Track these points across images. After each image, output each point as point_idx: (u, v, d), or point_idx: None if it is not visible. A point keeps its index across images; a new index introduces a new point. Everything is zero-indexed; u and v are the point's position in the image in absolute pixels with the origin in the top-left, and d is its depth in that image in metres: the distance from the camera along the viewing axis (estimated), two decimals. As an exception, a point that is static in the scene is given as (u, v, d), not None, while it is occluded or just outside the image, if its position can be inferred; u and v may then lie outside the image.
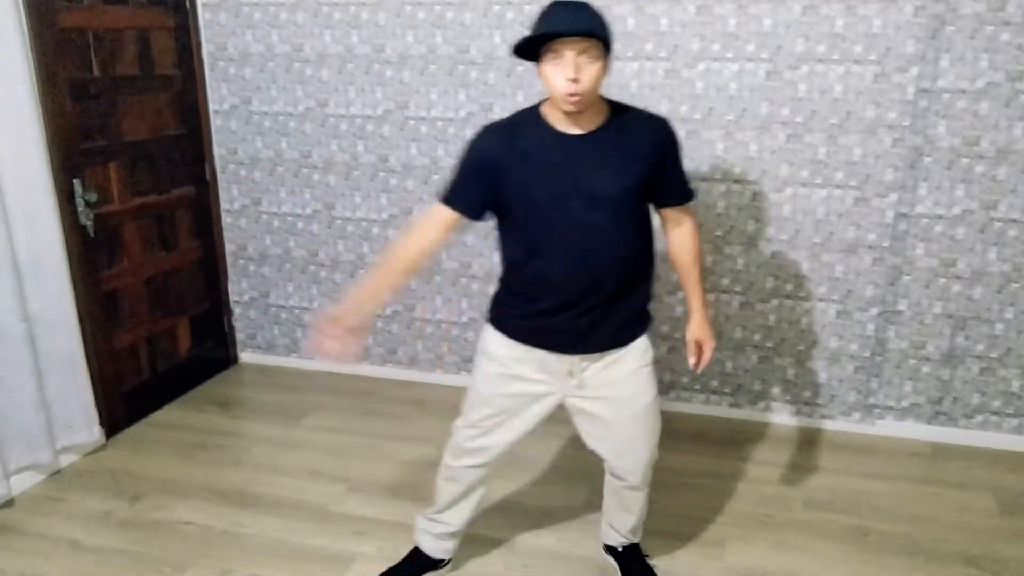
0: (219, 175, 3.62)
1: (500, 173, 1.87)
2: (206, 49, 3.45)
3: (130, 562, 2.41)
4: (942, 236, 2.92)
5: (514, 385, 2.03)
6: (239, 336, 3.88)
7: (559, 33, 1.68)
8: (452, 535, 2.30)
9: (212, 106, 3.53)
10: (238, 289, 3.80)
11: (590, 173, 1.84)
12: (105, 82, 2.97)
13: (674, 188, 1.99)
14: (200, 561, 2.42)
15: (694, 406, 3.36)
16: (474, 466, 2.16)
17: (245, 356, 3.91)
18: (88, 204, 2.89)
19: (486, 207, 1.94)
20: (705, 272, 3.16)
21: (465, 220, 1.96)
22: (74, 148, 2.84)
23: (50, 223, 2.70)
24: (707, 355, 2.09)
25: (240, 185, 3.61)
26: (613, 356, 1.99)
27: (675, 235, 2.05)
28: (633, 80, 3.02)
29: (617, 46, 2.99)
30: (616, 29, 2.97)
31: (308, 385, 3.65)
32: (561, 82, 1.71)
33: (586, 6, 1.74)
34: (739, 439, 3.15)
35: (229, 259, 3.75)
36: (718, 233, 3.11)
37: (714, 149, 3.02)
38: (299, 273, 3.68)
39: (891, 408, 3.17)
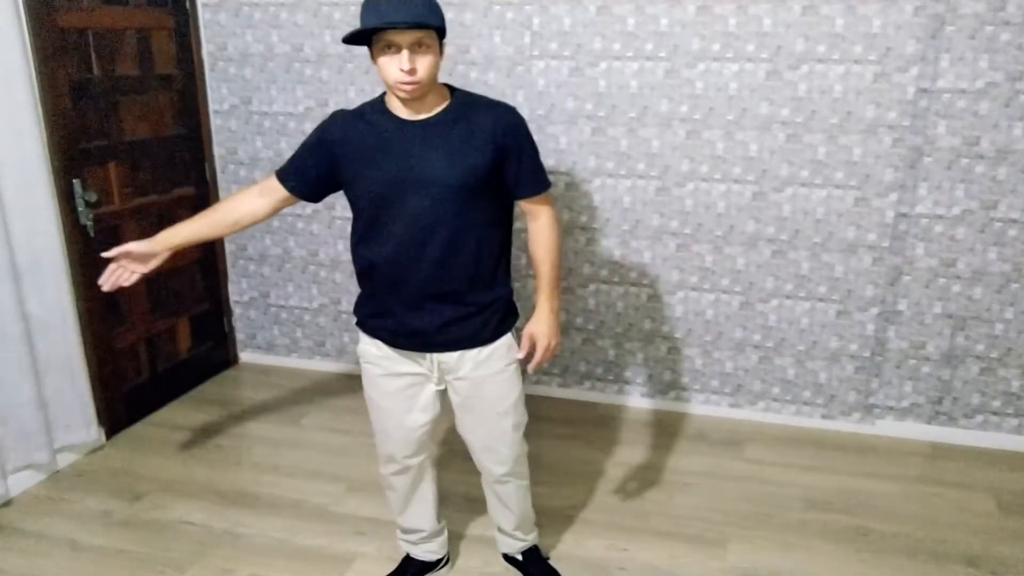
0: (219, 175, 3.62)
1: (336, 156, 1.88)
2: (206, 49, 3.45)
3: (130, 562, 2.41)
4: (942, 236, 2.92)
5: (393, 383, 2.01)
6: (239, 336, 3.88)
7: (390, 25, 1.65)
8: (429, 537, 2.29)
9: (212, 106, 3.53)
10: (238, 289, 3.80)
11: (425, 161, 1.79)
12: (105, 82, 2.96)
13: (523, 178, 1.90)
14: (200, 561, 2.42)
15: (694, 406, 3.36)
16: (396, 472, 2.16)
17: (245, 356, 3.91)
18: (88, 204, 2.89)
19: (317, 188, 1.97)
20: (708, 272, 3.17)
21: (293, 197, 1.99)
22: (74, 148, 2.84)
23: (50, 223, 2.70)
24: (539, 355, 1.97)
25: (240, 185, 3.61)
26: (476, 355, 1.95)
27: (531, 228, 1.98)
28: (633, 80, 3.02)
29: (616, 46, 2.99)
30: (616, 29, 2.98)
31: (308, 385, 3.65)
32: (395, 72, 1.70)
33: None
34: (739, 439, 3.15)
35: (229, 259, 3.75)
36: (718, 233, 3.11)
37: (714, 149, 3.02)
38: (299, 273, 3.68)
39: (891, 408, 3.17)
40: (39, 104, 2.66)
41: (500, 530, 2.33)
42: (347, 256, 3.56)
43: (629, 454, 3.04)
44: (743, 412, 3.32)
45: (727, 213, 3.08)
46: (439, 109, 1.82)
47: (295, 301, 3.74)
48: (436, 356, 1.96)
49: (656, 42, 2.96)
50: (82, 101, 2.87)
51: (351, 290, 3.63)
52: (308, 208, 3.55)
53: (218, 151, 3.59)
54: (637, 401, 3.42)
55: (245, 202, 2.02)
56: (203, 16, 3.41)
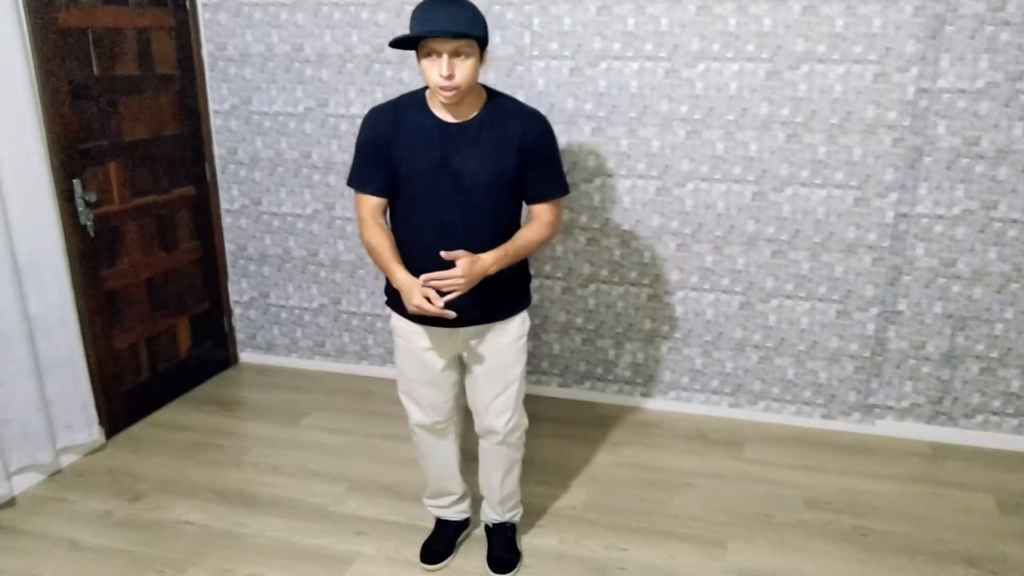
0: (219, 175, 3.62)
1: (386, 150, 2.00)
2: (206, 49, 3.45)
3: (130, 562, 2.41)
4: (942, 236, 2.92)
5: (417, 356, 2.18)
6: (239, 336, 3.88)
7: (432, 34, 1.78)
8: (460, 499, 2.45)
9: (212, 106, 3.53)
10: (238, 289, 3.80)
11: (460, 160, 1.95)
12: (105, 82, 2.96)
13: (542, 185, 2.05)
14: (200, 561, 2.42)
15: (694, 406, 3.36)
16: (419, 425, 2.29)
17: (245, 356, 3.91)
18: (88, 204, 2.89)
19: (391, 183, 2.05)
20: (708, 272, 3.17)
21: (381, 199, 2.07)
22: (74, 148, 2.84)
23: (50, 223, 2.70)
24: (450, 275, 1.87)
25: (240, 185, 3.61)
26: (495, 328, 2.12)
27: (532, 217, 2.08)
28: (633, 80, 3.02)
29: (616, 46, 2.99)
30: (616, 29, 2.97)
31: (308, 385, 3.65)
32: (436, 77, 1.84)
33: (460, 2, 1.83)
34: (739, 439, 3.15)
35: (229, 259, 3.75)
36: (718, 233, 3.11)
37: (714, 149, 3.02)
38: (299, 273, 3.68)
39: (891, 408, 3.17)
40: (39, 104, 2.66)
41: (485, 500, 2.44)
42: (347, 256, 3.57)
43: (629, 454, 3.04)
44: (743, 412, 3.32)
45: (727, 213, 3.08)
46: (475, 112, 1.98)
47: (295, 301, 3.74)
48: (457, 330, 2.10)
49: (656, 42, 2.96)
50: (82, 101, 2.87)
51: (351, 290, 3.63)
52: (308, 208, 3.55)
53: (218, 151, 3.59)
54: (637, 401, 3.42)
55: (381, 231, 2.04)
56: (203, 16, 3.41)
